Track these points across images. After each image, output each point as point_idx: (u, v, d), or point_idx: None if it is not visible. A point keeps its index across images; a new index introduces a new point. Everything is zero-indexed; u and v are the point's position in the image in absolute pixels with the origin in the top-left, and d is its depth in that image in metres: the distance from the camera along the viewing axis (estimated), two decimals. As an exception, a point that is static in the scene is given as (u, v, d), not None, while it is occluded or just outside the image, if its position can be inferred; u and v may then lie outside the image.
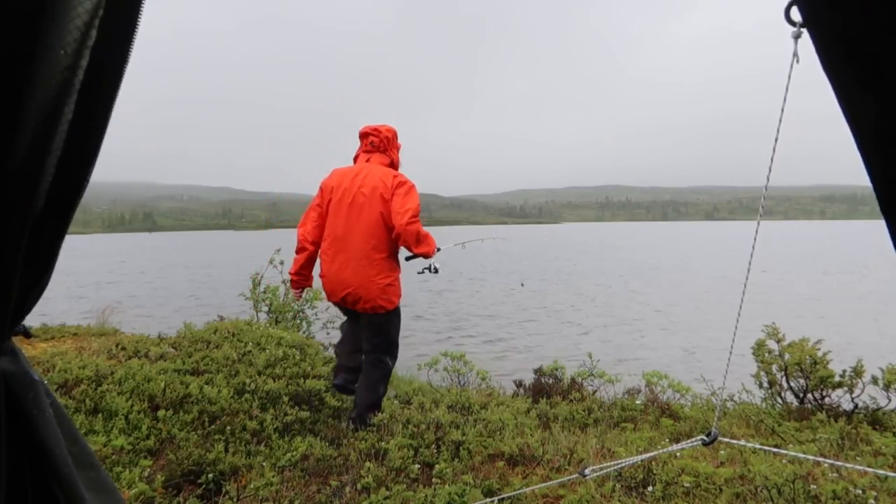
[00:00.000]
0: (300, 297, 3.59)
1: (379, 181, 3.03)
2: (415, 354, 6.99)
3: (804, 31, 0.65)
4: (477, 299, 16.01)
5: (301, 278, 3.35)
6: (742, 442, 3.01)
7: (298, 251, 3.31)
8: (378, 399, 3.29)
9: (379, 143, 3.20)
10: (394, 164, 3.26)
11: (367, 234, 3.03)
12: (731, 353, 1.79)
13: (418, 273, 3.39)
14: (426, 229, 3.08)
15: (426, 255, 3.11)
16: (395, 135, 3.26)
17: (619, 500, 2.51)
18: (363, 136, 3.25)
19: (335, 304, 3.31)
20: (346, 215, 3.06)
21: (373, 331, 3.19)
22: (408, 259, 3.30)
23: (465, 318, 12.98)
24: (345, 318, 3.54)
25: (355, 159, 3.31)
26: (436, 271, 3.34)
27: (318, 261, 3.30)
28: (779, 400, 4.27)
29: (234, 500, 2.43)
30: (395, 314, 3.19)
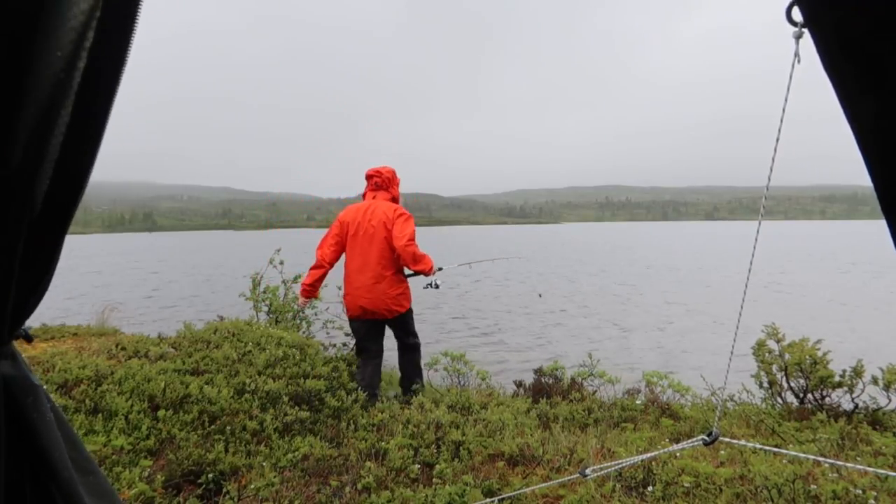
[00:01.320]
0: (305, 304, 4.29)
1: (383, 214, 3.79)
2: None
3: (805, 30, 0.65)
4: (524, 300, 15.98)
5: (312, 290, 4.06)
6: (742, 442, 3.01)
7: (316, 268, 3.99)
8: (419, 370, 4.18)
9: (381, 183, 3.94)
10: (395, 199, 3.96)
11: (378, 256, 3.77)
12: (731, 352, 1.79)
13: (423, 288, 4.03)
14: (422, 250, 3.80)
15: (424, 273, 3.82)
16: (393, 174, 3.99)
17: (620, 500, 2.51)
18: (368, 177, 3.97)
19: (352, 319, 4.01)
20: (360, 244, 3.82)
21: (396, 326, 4.04)
22: (408, 276, 3.95)
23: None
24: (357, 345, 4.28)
25: (364, 196, 4.02)
26: (437, 287, 3.97)
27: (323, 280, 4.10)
28: (779, 400, 4.27)
29: (234, 500, 2.43)
30: (408, 313, 4.00)
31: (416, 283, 4.05)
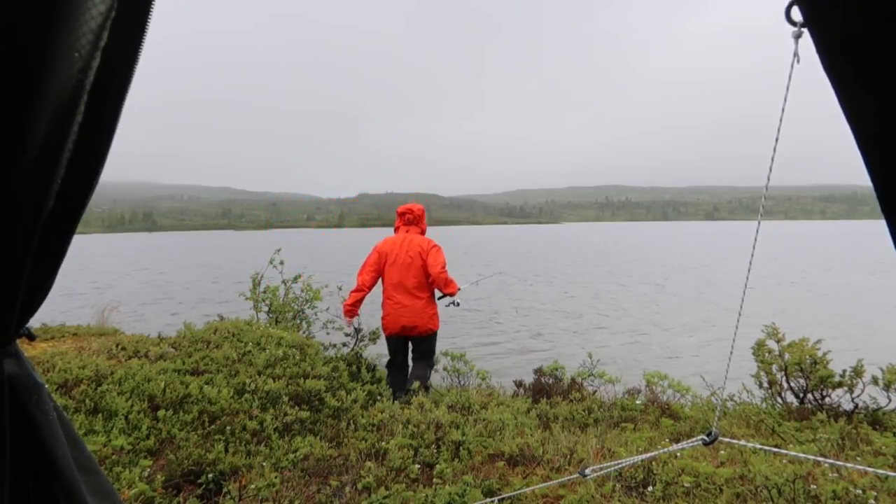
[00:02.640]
0: (350, 323, 4.94)
1: (418, 246, 4.46)
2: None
3: (804, 30, 0.65)
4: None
5: (353, 309, 4.65)
6: (742, 442, 3.01)
7: (357, 291, 4.58)
8: (426, 378, 4.50)
9: (413, 219, 4.62)
10: (423, 231, 4.66)
11: (415, 282, 4.41)
12: (731, 352, 1.79)
13: (445, 306, 4.63)
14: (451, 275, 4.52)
15: (451, 295, 4.50)
16: (423, 211, 4.71)
17: (619, 500, 2.51)
18: (400, 214, 4.67)
19: (389, 336, 4.57)
20: (399, 271, 4.44)
21: (423, 346, 4.54)
22: (439, 298, 4.60)
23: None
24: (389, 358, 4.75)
25: (396, 229, 4.70)
26: (457, 305, 4.61)
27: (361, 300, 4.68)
28: (779, 400, 4.27)
29: (235, 500, 2.43)
30: (436, 334, 4.58)
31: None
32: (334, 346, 5.60)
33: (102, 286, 21.03)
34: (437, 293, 4.58)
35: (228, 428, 3.06)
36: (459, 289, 4.54)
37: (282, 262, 6.62)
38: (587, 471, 2.16)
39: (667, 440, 3.39)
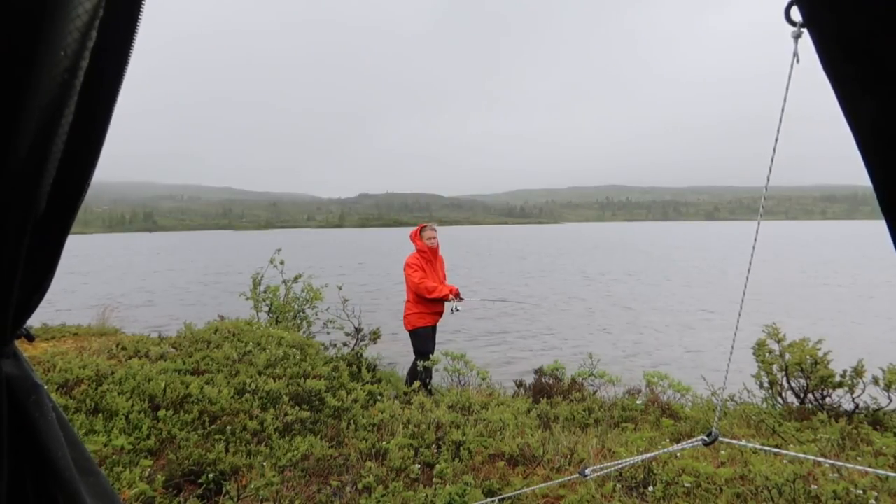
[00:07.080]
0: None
1: (406, 265, 5.37)
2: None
3: (804, 30, 0.65)
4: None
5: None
6: (743, 442, 3.01)
7: None
8: (411, 375, 5.24)
9: (411, 240, 5.56)
10: (418, 248, 5.40)
11: (407, 290, 5.38)
12: (731, 352, 1.79)
13: (450, 313, 5.28)
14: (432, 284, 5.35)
15: (441, 300, 5.21)
16: (414, 232, 5.53)
17: (620, 500, 2.51)
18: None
19: None
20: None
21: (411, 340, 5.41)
22: (445, 302, 5.33)
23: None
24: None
25: None
26: (457, 310, 5.22)
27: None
28: (779, 400, 4.27)
29: (235, 499, 2.43)
30: (413, 333, 5.30)
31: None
32: (335, 345, 5.60)
33: (103, 286, 21.00)
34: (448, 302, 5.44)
35: (229, 428, 3.06)
36: (456, 297, 5.19)
37: (282, 262, 6.63)
38: (587, 471, 2.15)
39: (667, 440, 3.39)
